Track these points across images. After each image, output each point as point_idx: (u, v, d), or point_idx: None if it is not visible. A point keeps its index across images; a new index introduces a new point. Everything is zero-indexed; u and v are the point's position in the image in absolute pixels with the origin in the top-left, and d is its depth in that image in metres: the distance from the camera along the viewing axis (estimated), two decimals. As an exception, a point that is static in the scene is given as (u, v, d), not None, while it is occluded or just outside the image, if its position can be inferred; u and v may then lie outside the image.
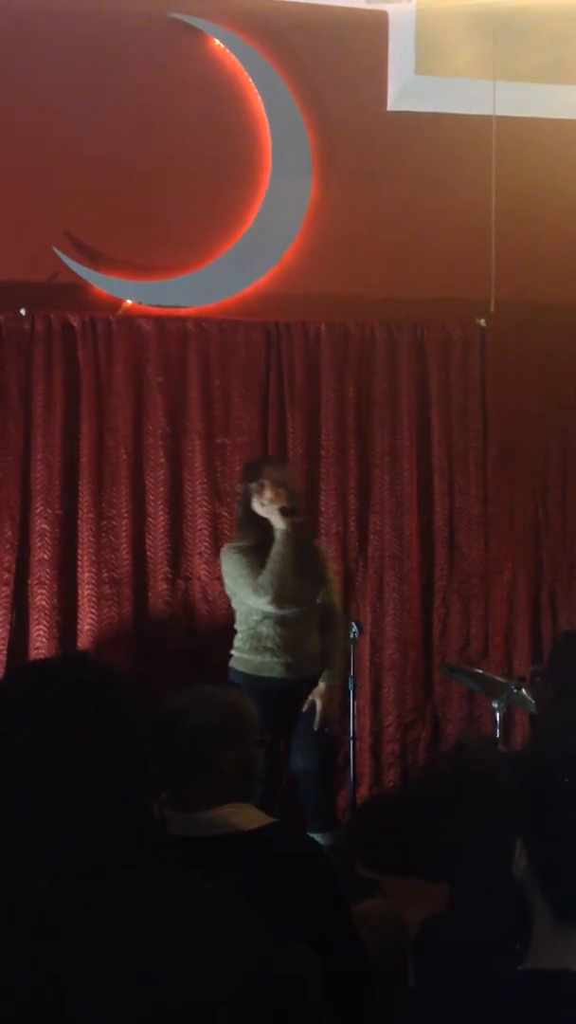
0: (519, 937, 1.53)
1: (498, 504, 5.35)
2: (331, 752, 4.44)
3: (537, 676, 4.04)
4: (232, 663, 4.31)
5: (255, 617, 4.23)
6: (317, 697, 4.26)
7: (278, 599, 4.13)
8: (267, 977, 1.56)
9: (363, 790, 5.03)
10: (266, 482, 4.24)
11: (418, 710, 5.23)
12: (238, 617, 4.34)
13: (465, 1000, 1.48)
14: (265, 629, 4.22)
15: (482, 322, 5.34)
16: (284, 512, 4.18)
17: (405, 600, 5.19)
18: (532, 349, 5.43)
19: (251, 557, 4.21)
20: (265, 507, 4.22)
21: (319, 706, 4.25)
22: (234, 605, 4.38)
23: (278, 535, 4.17)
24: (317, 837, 4.19)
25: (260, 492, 4.24)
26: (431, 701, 5.26)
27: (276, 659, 4.23)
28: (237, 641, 4.32)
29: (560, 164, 5.48)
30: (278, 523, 4.17)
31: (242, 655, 4.27)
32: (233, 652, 4.33)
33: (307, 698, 4.26)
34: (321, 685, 4.28)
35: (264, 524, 4.25)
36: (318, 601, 4.33)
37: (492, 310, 5.31)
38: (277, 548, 4.15)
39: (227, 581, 4.35)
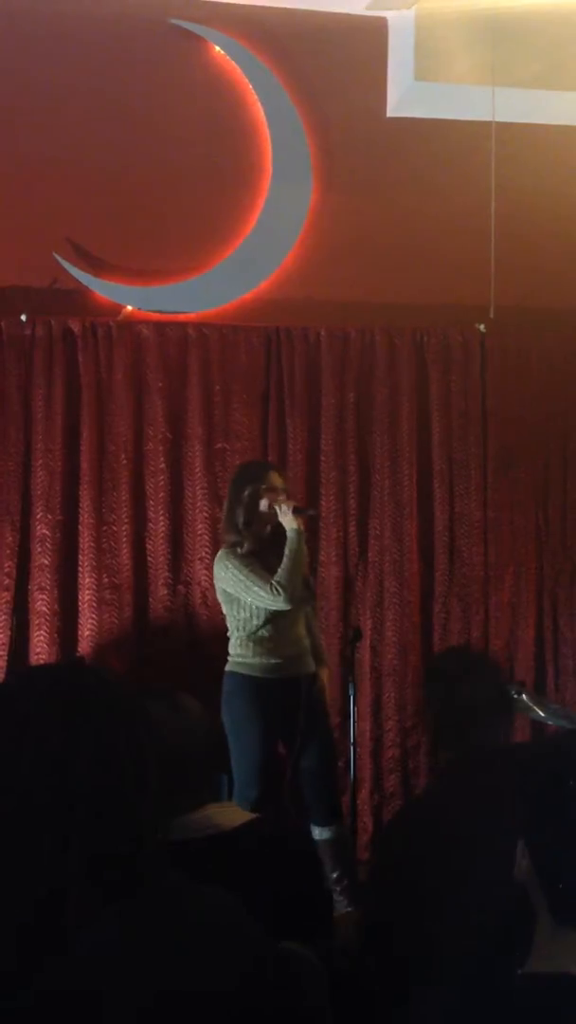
0: (520, 940, 1.53)
1: (498, 509, 5.35)
2: (332, 747, 4.45)
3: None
4: (232, 667, 4.27)
5: (256, 622, 4.21)
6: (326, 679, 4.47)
7: (292, 598, 4.16)
8: (268, 982, 1.56)
9: (364, 794, 5.05)
10: (276, 484, 4.29)
11: (418, 715, 5.22)
12: (234, 624, 4.28)
13: (465, 1004, 1.48)
14: (267, 633, 4.21)
15: (482, 327, 5.35)
16: (297, 511, 4.22)
17: (405, 605, 5.19)
18: (532, 354, 5.43)
19: (255, 561, 4.21)
20: (280, 507, 4.22)
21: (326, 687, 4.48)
22: (230, 612, 4.29)
23: (292, 534, 4.18)
24: (322, 831, 4.23)
25: (273, 493, 4.25)
26: (431, 706, 5.26)
27: (279, 660, 4.23)
28: (235, 647, 4.28)
29: (559, 170, 5.50)
30: (291, 523, 4.19)
31: (244, 659, 4.25)
32: (231, 657, 4.29)
33: (305, 694, 4.25)
34: (324, 673, 4.46)
35: (263, 527, 4.26)
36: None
37: (492, 315, 5.32)
38: (293, 547, 4.17)
39: (226, 587, 4.25)
